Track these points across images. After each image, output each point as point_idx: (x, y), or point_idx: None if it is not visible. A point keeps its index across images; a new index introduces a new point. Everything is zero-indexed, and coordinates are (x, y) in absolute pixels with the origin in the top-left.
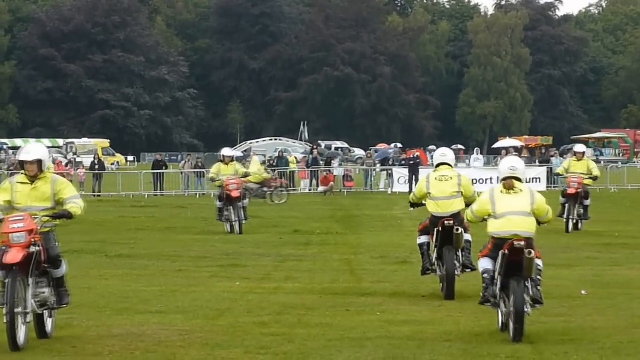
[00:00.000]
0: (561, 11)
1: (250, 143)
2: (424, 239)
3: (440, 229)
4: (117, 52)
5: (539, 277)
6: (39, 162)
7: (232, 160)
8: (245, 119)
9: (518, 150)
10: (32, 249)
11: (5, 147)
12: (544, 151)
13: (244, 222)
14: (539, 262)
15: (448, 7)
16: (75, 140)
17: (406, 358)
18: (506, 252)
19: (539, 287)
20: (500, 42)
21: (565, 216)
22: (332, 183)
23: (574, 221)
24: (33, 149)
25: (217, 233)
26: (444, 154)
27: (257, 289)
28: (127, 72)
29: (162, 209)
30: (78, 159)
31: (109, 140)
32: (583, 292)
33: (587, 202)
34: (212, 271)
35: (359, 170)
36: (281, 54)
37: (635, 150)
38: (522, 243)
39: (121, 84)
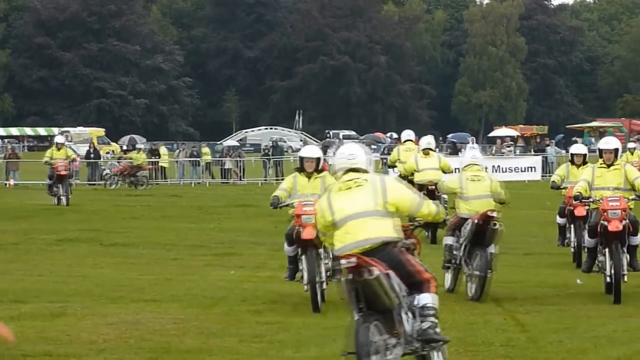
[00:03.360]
0: (556, 0)
1: (246, 132)
2: (450, 240)
3: (473, 227)
4: (112, 40)
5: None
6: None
7: (63, 146)
8: (240, 108)
9: (514, 140)
10: None
11: None
12: (539, 140)
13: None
14: (428, 298)
15: None
16: (71, 129)
17: None
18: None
19: (431, 321)
20: (495, 31)
21: (572, 243)
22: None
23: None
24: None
25: (212, 222)
26: (475, 156)
27: (252, 278)
28: (122, 60)
29: (157, 198)
30: (73, 147)
31: (104, 129)
32: (578, 281)
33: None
34: (207, 260)
35: None
36: (277, 43)
37: (630, 139)
38: (352, 261)
39: (116, 72)
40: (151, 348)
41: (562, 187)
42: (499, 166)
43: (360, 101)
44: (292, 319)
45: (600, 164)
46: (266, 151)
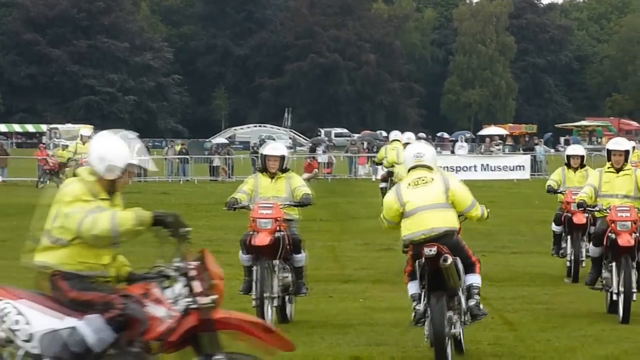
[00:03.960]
0: None
1: (235, 129)
2: (413, 287)
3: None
4: (101, 37)
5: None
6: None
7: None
8: (229, 106)
9: (502, 139)
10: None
11: None
12: (527, 139)
13: None
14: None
15: None
16: (59, 126)
17: (389, 344)
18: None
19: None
20: (485, 29)
21: (568, 255)
22: (315, 170)
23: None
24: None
25: (200, 219)
26: (420, 152)
27: (240, 276)
28: (111, 57)
29: (146, 195)
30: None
31: (92, 126)
32: (566, 280)
33: None
34: None
35: (343, 158)
36: (266, 41)
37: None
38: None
39: (105, 69)
40: None
41: (559, 191)
42: (487, 165)
43: (350, 99)
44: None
45: (609, 167)
46: (255, 149)
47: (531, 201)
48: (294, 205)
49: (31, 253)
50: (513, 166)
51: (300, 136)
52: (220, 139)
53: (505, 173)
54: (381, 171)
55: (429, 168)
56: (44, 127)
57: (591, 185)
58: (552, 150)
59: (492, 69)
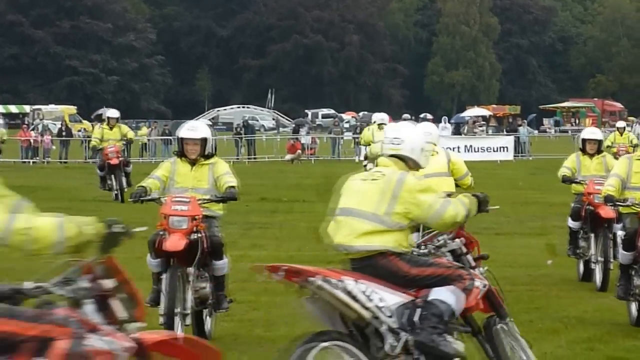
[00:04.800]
0: None
1: (218, 110)
2: None
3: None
4: (84, 18)
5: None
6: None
7: (117, 122)
8: (213, 86)
9: (486, 120)
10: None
11: None
12: (511, 120)
13: (125, 189)
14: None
15: None
16: (42, 107)
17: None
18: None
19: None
20: (468, 10)
21: (592, 256)
22: (299, 151)
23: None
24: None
25: None
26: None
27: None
28: (94, 38)
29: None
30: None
31: (75, 107)
32: (549, 262)
33: None
34: None
35: (326, 139)
36: (249, 22)
37: (603, 119)
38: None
39: (89, 50)
40: None
41: (577, 180)
42: (471, 146)
43: (333, 80)
44: (262, 298)
45: (639, 156)
46: (238, 130)
47: (514, 182)
48: (216, 201)
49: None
50: (496, 147)
51: (283, 117)
52: (203, 120)
53: (488, 154)
54: (364, 151)
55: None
56: (27, 108)
57: (617, 175)
58: (536, 132)
59: (475, 50)
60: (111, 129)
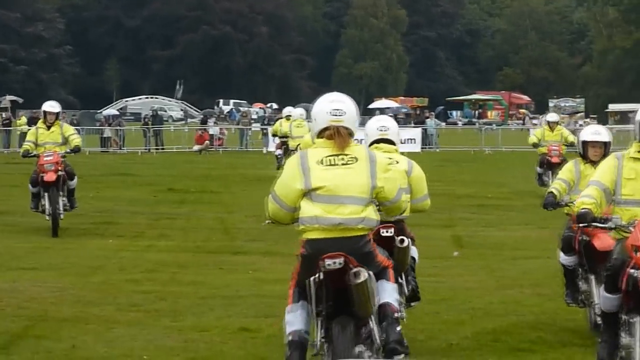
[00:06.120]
0: None
1: (126, 101)
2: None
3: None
4: None
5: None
6: None
7: (57, 120)
8: (121, 77)
9: (394, 112)
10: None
11: None
12: (418, 112)
13: (62, 215)
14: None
15: None
16: None
17: (277, 316)
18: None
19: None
20: (376, 3)
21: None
22: (207, 141)
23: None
24: None
25: (90, 190)
26: (384, 126)
27: (130, 247)
28: (2, 27)
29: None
30: None
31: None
32: (455, 253)
33: None
34: (85, 228)
35: (234, 130)
36: (158, 12)
37: (510, 112)
38: (335, 261)
39: None
40: (28, 316)
41: (563, 202)
42: None
43: (242, 71)
44: (169, 288)
45: (635, 154)
46: (146, 120)
47: None
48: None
49: None
50: (404, 139)
51: (191, 108)
52: (111, 111)
53: None
54: (273, 143)
55: (392, 143)
56: None
57: (599, 184)
58: (444, 124)
59: (383, 42)
60: (49, 128)
